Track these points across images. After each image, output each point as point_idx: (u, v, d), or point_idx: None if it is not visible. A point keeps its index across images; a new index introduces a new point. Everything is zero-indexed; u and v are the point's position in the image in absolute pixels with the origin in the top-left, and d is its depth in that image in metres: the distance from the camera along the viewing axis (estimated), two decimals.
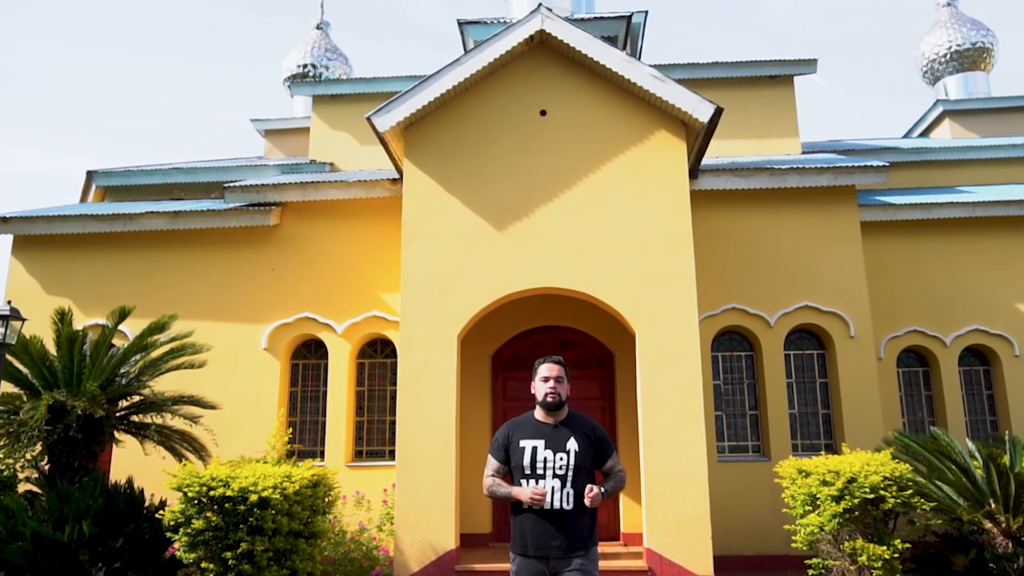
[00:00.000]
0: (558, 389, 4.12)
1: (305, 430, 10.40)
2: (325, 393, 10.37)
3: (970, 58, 16.17)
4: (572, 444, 4.04)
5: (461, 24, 11.93)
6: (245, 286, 10.52)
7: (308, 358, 10.69)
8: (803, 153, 12.54)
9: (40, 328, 8.87)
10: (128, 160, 47.77)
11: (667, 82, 8.41)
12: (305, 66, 17.06)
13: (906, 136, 16.81)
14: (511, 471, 4.14)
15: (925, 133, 16.25)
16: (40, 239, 10.88)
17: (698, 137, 8.69)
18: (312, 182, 10.43)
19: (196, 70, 53.09)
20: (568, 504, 3.98)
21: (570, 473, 4.00)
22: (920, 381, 11.23)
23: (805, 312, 10.13)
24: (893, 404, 10.71)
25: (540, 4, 8.80)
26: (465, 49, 12.82)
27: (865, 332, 9.99)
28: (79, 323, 9.74)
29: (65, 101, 50.39)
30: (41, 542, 6.02)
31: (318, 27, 17.89)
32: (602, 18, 12.03)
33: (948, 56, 16.26)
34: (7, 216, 10.69)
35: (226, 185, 10.55)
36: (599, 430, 4.23)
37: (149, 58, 51.28)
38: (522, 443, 4.09)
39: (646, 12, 14.60)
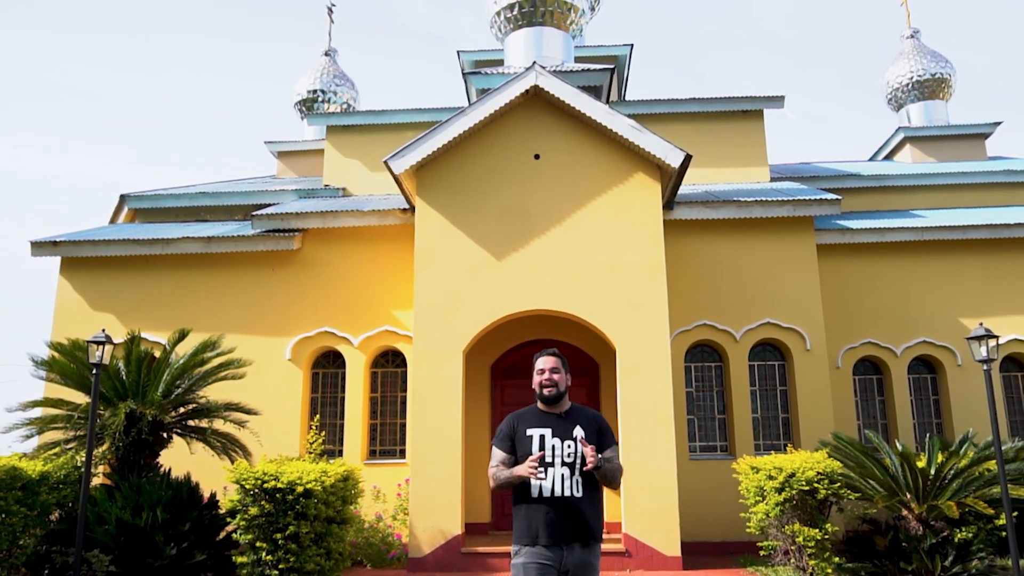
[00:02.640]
0: (554, 379, 4.06)
1: (325, 431, 11.65)
2: (343, 399, 11.63)
3: (930, 87, 17.52)
4: (579, 432, 3.99)
5: (465, 74, 13.28)
6: (270, 303, 11.75)
7: (327, 368, 11.96)
8: (772, 178, 13.82)
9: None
10: (128, 160, 48.84)
11: (644, 132, 9.72)
12: (314, 91, 18.28)
13: (872, 159, 18.16)
14: (518, 461, 4.01)
15: (889, 156, 17.59)
16: (86, 260, 12.08)
17: (671, 178, 10.01)
18: (331, 211, 11.69)
19: (196, 70, 54.16)
20: (578, 492, 3.93)
21: (578, 461, 3.94)
22: (874, 387, 12.57)
23: (767, 328, 11.43)
24: (849, 408, 12.06)
25: (535, 62, 10.10)
26: (468, 95, 14.19)
27: (820, 346, 11.31)
28: (120, 336, 10.93)
29: (65, 101, 51.38)
30: (123, 526, 7.31)
31: (326, 54, 19.08)
32: (589, 70, 13.37)
33: (910, 85, 17.61)
34: (57, 240, 11.91)
35: (253, 214, 11.80)
36: (603, 421, 4.18)
37: (148, 58, 52.33)
38: (529, 431, 4.02)
39: (631, 46, 15.98)
